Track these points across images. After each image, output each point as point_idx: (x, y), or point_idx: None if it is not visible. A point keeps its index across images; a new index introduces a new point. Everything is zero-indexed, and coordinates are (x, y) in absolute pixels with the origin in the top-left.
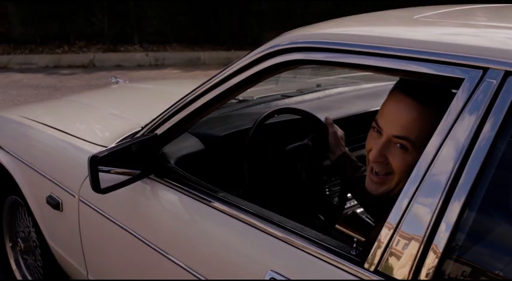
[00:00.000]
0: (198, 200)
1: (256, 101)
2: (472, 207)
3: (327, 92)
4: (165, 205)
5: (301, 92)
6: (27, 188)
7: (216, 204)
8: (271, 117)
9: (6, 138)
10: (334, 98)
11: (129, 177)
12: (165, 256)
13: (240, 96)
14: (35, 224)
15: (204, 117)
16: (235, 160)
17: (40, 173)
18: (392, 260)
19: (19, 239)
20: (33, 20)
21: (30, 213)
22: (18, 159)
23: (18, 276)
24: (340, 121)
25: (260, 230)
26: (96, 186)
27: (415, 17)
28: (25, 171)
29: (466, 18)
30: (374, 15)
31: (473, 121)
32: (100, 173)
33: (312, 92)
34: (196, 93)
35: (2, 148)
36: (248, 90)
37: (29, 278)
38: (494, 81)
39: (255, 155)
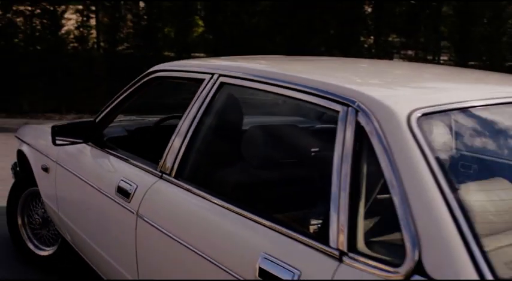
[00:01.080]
0: (117, 158)
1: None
2: (197, 138)
3: None
4: (97, 160)
5: None
6: (33, 163)
7: (130, 160)
8: (167, 120)
9: (30, 138)
10: None
11: (73, 141)
12: (99, 191)
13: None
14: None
15: (117, 115)
16: (144, 141)
17: (38, 151)
18: (174, 166)
19: (37, 217)
20: None
21: None
22: (32, 147)
23: (32, 248)
24: None
25: (141, 168)
26: (53, 142)
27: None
28: (33, 153)
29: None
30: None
31: (199, 108)
32: (59, 140)
33: None
34: (110, 101)
35: (26, 143)
36: None
37: (42, 247)
38: (214, 80)
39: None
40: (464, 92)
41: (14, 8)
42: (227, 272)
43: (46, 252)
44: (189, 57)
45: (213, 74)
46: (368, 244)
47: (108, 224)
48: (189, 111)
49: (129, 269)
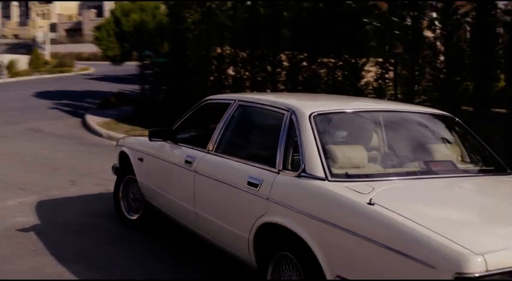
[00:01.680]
0: (184, 147)
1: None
2: (226, 132)
3: None
4: (172, 149)
5: None
6: (132, 157)
7: (191, 147)
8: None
9: (129, 143)
10: None
11: (160, 140)
12: (174, 164)
13: None
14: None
15: (185, 126)
16: (200, 139)
17: (135, 149)
18: (214, 147)
19: (131, 194)
20: None
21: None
22: (131, 148)
23: (126, 215)
24: None
25: (197, 150)
26: (149, 139)
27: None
28: (132, 151)
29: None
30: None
31: (227, 117)
32: (152, 139)
33: None
34: (181, 117)
35: (126, 146)
36: None
37: (132, 214)
38: (236, 103)
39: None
40: (341, 106)
41: (319, 60)
42: (233, 186)
43: (134, 217)
44: (488, 112)
45: (235, 100)
46: (291, 166)
47: (179, 182)
48: (222, 119)
49: (190, 203)
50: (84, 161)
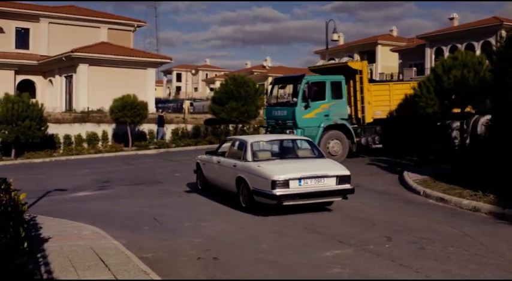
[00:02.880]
0: (219, 156)
1: None
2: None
3: None
4: (215, 157)
5: None
6: (200, 163)
7: (220, 156)
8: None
9: (200, 157)
10: None
11: (210, 155)
12: (215, 163)
13: None
14: None
15: (220, 148)
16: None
17: (202, 160)
18: (226, 154)
19: (200, 178)
20: None
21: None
22: (200, 160)
23: (199, 186)
24: None
25: (220, 156)
26: (205, 154)
27: None
28: (201, 160)
29: None
30: None
31: (231, 144)
32: (207, 154)
33: None
34: (218, 145)
35: (199, 160)
36: None
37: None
38: (235, 139)
39: None
40: (264, 138)
41: None
42: (229, 167)
43: (200, 187)
44: None
45: (235, 139)
46: (244, 158)
47: (216, 169)
48: (231, 145)
49: (219, 176)
50: (400, 217)
